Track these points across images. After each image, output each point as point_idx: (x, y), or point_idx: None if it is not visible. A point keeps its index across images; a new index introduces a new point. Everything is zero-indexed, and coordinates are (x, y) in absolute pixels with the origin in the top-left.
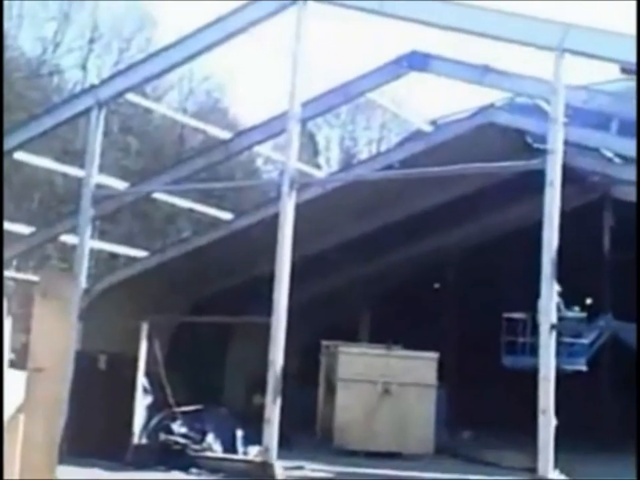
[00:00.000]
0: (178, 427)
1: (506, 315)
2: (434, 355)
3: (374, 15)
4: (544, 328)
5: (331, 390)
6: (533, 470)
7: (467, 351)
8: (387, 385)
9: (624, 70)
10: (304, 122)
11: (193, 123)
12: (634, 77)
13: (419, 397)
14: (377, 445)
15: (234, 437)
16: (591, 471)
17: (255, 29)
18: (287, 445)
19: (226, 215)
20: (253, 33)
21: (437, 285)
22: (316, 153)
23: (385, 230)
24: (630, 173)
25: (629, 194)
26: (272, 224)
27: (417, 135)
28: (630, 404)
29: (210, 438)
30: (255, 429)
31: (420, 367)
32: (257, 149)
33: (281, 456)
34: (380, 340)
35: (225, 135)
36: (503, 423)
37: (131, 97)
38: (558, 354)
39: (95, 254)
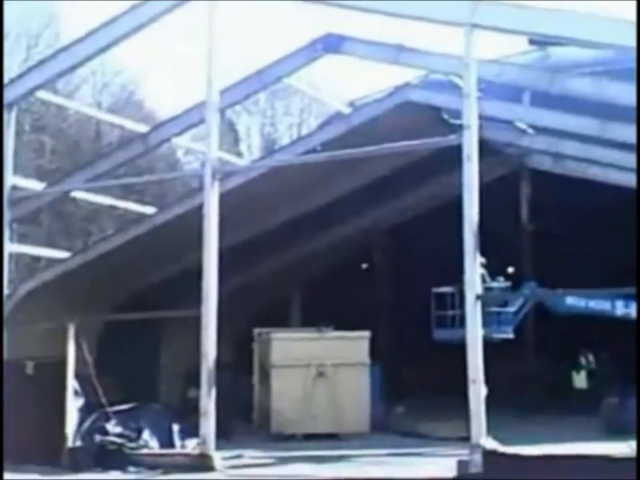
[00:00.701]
0: (112, 427)
1: (435, 289)
2: (366, 334)
3: None
4: (469, 299)
5: (265, 377)
6: (466, 439)
7: (400, 327)
8: (321, 368)
9: (532, 41)
10: (222, 110)
11: (109, 117)
12: (543, 48)
13: (353, 376)
14: (314, 427)
15: (170, 432)
16: (520, 435)
17: (166, 19)
18: (225, 435)
19: (149, 210)
20: (164, 23)
21: (365, 265)
22: (237, 141)
23: (311, 214)
24: (543, 143)
25: (544, 163)
26: (196, 215)
27: (337, 117)
28: (554, 368)
29: (146, 435)
30: (192, 423)
31: (353, 347)
32: (176, 140)
33: (219, 446)
34: (313, 323)
35: (143, 128)
36: (438, 395)
37: (42, 94)
38: (486, 324)
39: (16, 257)
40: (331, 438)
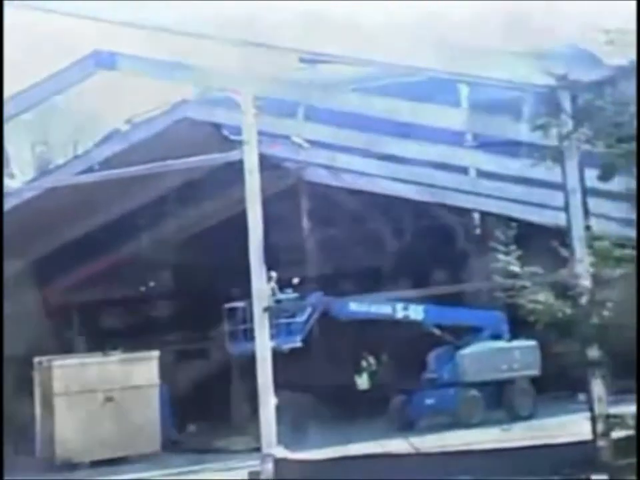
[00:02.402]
0: None
1: (227, 305)
2: (155, 354)
3: (53, 13)
4: (257, 312)
5: (49, 406)
6: (259, 449)
7: (191, 344)
8: (108, 392)
9: (302, 60)
10: None
11: None
12: (313, 65)
13: (142, 398)
14: (103, 452)
15: None
16: (314, 440)
17: None
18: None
19: None
20: None
21: (152, 284)
22: (7, 161)
23: (94, 234)
24: (319, 157)
25: (322, 177)
26: None
27: (115, 134)
28: (343, 372)
29: None
30: None
31: (140, 368)
32: None
33: None
34: (99, 346)
35: None
36: (231, 409)
37: None
38: (276, 335)
39: None
40: (120, 462)
